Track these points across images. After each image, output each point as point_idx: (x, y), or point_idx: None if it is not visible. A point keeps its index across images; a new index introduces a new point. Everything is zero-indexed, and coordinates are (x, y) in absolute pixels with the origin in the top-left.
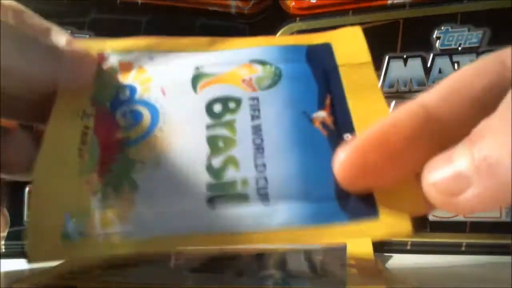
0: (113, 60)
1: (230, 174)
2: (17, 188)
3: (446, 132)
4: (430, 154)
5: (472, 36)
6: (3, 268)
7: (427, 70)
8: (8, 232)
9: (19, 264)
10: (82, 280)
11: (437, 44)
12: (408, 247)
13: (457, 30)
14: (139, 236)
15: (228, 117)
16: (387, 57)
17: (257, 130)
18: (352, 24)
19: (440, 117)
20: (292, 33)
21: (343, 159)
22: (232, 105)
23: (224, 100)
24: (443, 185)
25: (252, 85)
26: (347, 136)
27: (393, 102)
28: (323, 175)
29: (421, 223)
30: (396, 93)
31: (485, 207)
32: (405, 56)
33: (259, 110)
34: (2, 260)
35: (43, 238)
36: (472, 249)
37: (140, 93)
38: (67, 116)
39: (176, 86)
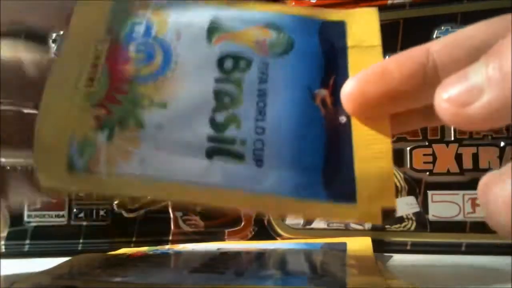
0: None
1: (231, 131)
2: None
3: (443, 76)
4: (425, 95)
5: None
6: (3, 268)
7: None
8: (8, 232)
9: (19, 264)
10: (82, 280)
11: None
12: (408, 247)
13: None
14: (139, 178)
15: (237, 74)
16: (387, 57)
17: (262, 94)
18: None
19: (439, 61)
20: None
21: (349, 85)
22: (243, 64)
23: (236, 58)
24: (456, 97)
25: (265, 48)
26: (342, 118)
27: None
28: (314, 149)
29: (421, 224)
30: None
31: (495, 118)
32: None
33: (267, 75)
34: (2, 260)
35: (49, 164)
36: (472, 249)
37: (155, 31)
38: (81, 40)
39: (192, 33)
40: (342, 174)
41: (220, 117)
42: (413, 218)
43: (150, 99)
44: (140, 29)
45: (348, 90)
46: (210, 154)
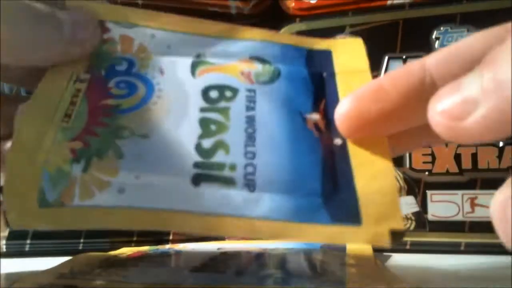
0: (114, 32)
1: (219, 156)
2: None
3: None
4: (423, 112)
5: None
6: (3, 268)
7: None
8: (9, 232)
9: (19, 264)
10: (82, 280)
11: (437, 44)
12: (408, 247)
13: (457, 31)
14: (118, 208)
15: (223, 104)
16: (386, 58)
17: (250, 120)
18: (352, 25)
19: (436, 75)
20: (292, 34)
21: (343, 105)
22: (228, 93)
23: (221, 88)
24: (450, 110)
25: (250, 78)
26: (337, 141)
27: None
28: (311, 172)
29: (420, 223)
30: None
31: (490, 131)
32: (404, 57)
33: (254, 102)
34: (2, 260)
35: (20, 200)
36: (471, 249)
37: (138, 67)
38: (60, 77)
39: (175, 68)
40: (343, 195)
41: (207, 143)
42: (413, 217)
43: (131, 130)
44: (122, 67)
45: (343, 110)
46: (197, 180)
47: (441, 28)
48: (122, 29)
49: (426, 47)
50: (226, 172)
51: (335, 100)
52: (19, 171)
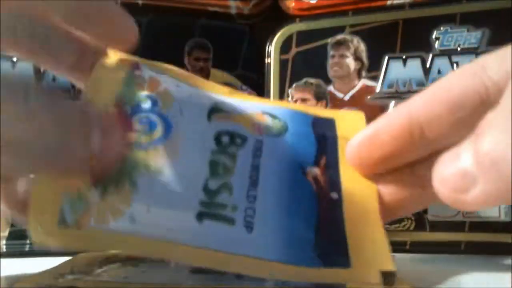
0: (144, 73)
1: (223, 197)
2: None
3: (430, 133)
4: (417, 152)
5: (471, 36)
6: (3, 268)
7: (426, 71)
8: (9, 232)
9: (19, 264)
10: (82, 280)
11: (437, 44)
12: (408, 247)
13: (456, 31)
14: (129, 236)
15: (232, 149)
16: (386, 58)
17: (255, 167)
18: (352, 25)
19: (423, 120)
20: (291, 34)
21: (347, 153)
22: (238, 140)
23: (232, 134)
24: (451, 182)
25: (260, 129)
26: (334, 195)
27: (392, 103)
28: (306, 220)
29: (420, 223)
30: (395, 94)
31: (492, 204)
32: (404, 57)
33: (261, 151)
34: (3, 260)
35: (42, 219)
36: (471, 249)
37: (160, 106)
38: (92, 100)
39: (194, 111)
40: (334, 243)
41: (213, 185)
42: (412, 217)
43: (146, 164)
44: (146, 104)
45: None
46: (201, 217)
47: (441, 28)
48: (152, 73)
49: (426, 47)
50: (228, 212)
51: (335, 160)
52: (43, 192)
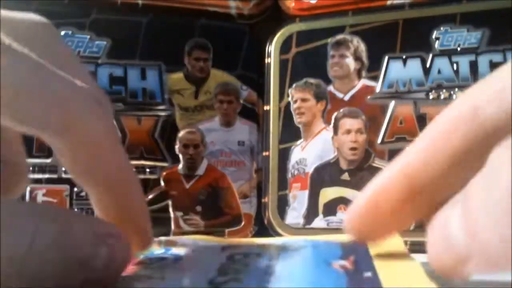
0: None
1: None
2: None
3: (432, 191)
4: (420, 212)
5: (471, 36)
6: None
7: (427, 71)
8: None
9: None
10: None
11: (437, 44)
12: (408, 247)
13: (456, 31)
14: None
15: (245, 260)
16: (386, 58)
17: (269, 267)
18: (352, 25)
19: (422, 182)
20: (291, 34)
21: (346, 225)
22: (252, 255)
23: (246, 254)
24: (444, 261)
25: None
26: (367, 274)
27: (392, 102)
28: None
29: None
30: (396, 94)
31: (487, 275)
32: (404, 57)
33: (277, 259)
34: None
35: None
36: None
37: (172, 250)
38: None
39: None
40: None
41: (221, 279)
42: None
43: (149, 276)
44: (159, 251)
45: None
46: None
47: (441, 28)
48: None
49: (426, 47)
50: None
51: (367, 257)
52: None
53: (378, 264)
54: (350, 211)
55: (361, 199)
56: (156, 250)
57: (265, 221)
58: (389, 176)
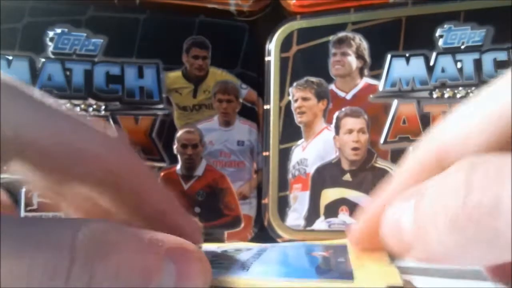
0: None
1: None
2: (14, 189)
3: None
4: None
5: (475, 34)
6: None
7: (430, 69)
8: None
9: None
10: None
11: (440, 42)
12: None
13: (460, 29)
14: None
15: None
16: (389, 56)
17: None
18: (354, 22)
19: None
20: (292, 31)
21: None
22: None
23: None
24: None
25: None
26: (340, 259)
27: (395, 101)
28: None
29: None
30: (399, 92)
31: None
32: (407, 55)
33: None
34: None
35: None
36: None
37: None
38: None
39: None
40: (335, 269)
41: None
42: None
43: None
44: None
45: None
46: None
47: (445, 26)
48: None
49: (429, 45)
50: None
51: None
52: None
53: (353, 256)
54: (349, 235)
55: (356, 227)
56: None
57: (265, 223)
58: (370, 213)
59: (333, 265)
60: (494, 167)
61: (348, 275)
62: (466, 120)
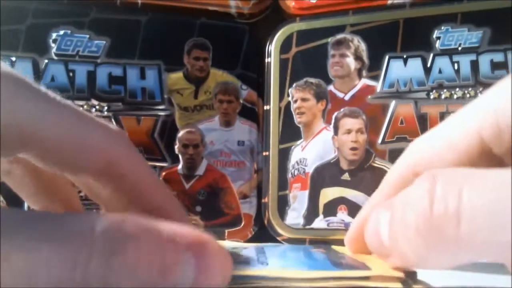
0: None
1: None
2: None
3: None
4: None
5: (472, 36)
6: None
7: (427, 70)
8: None
9: None
10: None
11: (437, 44)
12: None
13: (457, 30)
14: None
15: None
16: (387, 57)
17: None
18: (352, 24)
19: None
20: (292, 33)
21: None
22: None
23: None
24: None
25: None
26: (340, 255)
27: (393, 102)
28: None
29: None
30: (396, 93)
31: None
32: (405, 56)
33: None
34: None
35: None
36: None
37: None
38: None
39: None
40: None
41: None
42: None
43: None
44: None
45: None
46: None
47: (442, 28)
48: None
49: (426, 47)
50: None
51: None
52: None
53: (351, 255)
54: (346, 237)
55: (351, 227)
56: None
57: (265, 222)
58: (359, 220)
59: (341, 260)
60: (455, 178)
61: (362, 266)
62: (440, 137)
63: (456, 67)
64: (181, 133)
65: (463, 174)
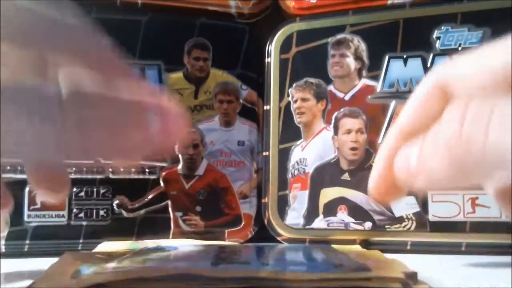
0: None
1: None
2: (17, 189)
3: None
4: None
5: (472, 36)
6: (3, 268)
7: (427, 70)
8: (8, 232)
9: (19, 264)
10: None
11: (437, 44)
12: (408, 247)
13: (457, 30)
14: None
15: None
16: (387, 57)
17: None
18: (352, 24)
19: (411, 134)
20: (292, 33)
21: (370, 190)
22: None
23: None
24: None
25: None
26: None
27: (393, 102)
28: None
29: (421, 223)
30: (396, 93)
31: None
32: (405, 56)
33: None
34: (2, 260)
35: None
36: (472, 249)
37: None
38: None
39: None
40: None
41: (221, 261)
42: (413, 218)
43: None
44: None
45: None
46: (216, 264)
47: (442, 28)
48: None
49: (426, 47)
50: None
51: None
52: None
53: (350, 254)
54: (371, 177)
55: (378, 163)
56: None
57: (265, 222)
58: (391, 136)
59: (341, 260)
60: (486, 106)
61: (363, 267)
62: (469, 63)
63: None
64: None
65: (491, 99)
